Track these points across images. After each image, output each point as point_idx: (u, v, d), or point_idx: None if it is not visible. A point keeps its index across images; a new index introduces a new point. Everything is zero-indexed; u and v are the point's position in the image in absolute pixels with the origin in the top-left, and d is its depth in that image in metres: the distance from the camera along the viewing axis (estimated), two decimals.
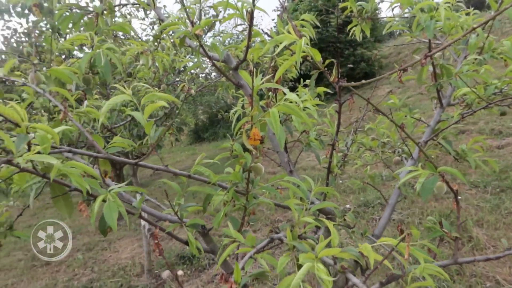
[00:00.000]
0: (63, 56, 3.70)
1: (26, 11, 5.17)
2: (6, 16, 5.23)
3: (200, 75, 3.11)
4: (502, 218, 3.20)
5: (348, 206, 4.28)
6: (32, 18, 5.24)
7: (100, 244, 5.19)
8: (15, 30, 5.32)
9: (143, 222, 4.04)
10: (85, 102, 1.04)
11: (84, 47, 1.30)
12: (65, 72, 0.99)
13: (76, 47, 1.32)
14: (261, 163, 0.92)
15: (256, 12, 1.07)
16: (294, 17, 12.78)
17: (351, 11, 1.82)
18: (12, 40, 5.16)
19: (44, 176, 0.80)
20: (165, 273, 3.82)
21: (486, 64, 1.52)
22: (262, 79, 0.83)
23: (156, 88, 2.67)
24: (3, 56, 4.88)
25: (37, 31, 4.69)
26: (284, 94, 0.96)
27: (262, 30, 1.26)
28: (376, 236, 1.36)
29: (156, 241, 0.82)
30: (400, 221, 3.59)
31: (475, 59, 1.47)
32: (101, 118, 0.87)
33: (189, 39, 1.22)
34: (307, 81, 1.49)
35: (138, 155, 4.71)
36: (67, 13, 1.35)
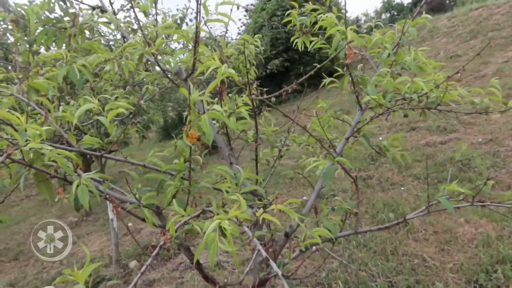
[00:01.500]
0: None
1: None
2: None
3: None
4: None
5: (305, 198, 4.63)
6: None
7: (72, 239, 5.32)
8: None
9: (110, 216, 4.24)
10: (61, 108, 1.29)
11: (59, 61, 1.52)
12: (44, 84, 1.24)
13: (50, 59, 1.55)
14: (199, 156, 1.20)
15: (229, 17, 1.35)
16: (260, 16, 13.08)
17: (294, 25, 2.13)
18: None
19: (31, 166, 1.05)
20: (132, 263, 4.05)
21: (399, 74, 1.86)
22: (200, 91, 1.11)
23: (122, 90, 2.91)
24: None
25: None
26: (221, 101, 1.25)
27: (231, 37, 1.55)
28: (303, 215, 1.68)
29: (114, 205, 1.09)
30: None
31: (387, 71, 1.81)
32: (75, 121, 1.13)
33: (147, 55, 1.49)
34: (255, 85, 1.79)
35: (105, 151, 4.88)
36: (41, 28, 1.58)
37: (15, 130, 0.93)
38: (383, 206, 3.80)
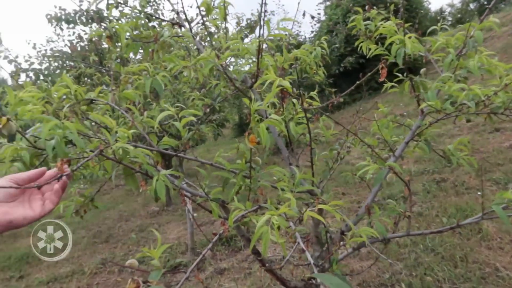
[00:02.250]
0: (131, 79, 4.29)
1: (90, 20, 5.91)
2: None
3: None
4: None
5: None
6: (95, 25, 5.96)
7: (151, 226, 5.85)
8: (80, 37, 6.08)
9: (188, 207, 4.60)
10: (145, 113, 1.52)
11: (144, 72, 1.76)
12: (132, 93, 1.48)
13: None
14: (258, 157, 1.35)
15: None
16: (337, 12, 12.90)
17: (359, 29, 2.19)
18: (78, 46, 5.91)
19: (120, 162, 1.28)
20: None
21: (465, 78, 1.85)
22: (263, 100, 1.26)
23: (198, 92, 3.18)
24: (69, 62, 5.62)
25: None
26: (282, 108, 1.40)
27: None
28: (358, 215, 1.75)
29: (183, 198, 1.28)
30: (419, 213, 3.87)
31: (450, 76, 1.80)
32: (156, 124, 1.35)
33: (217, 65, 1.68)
34: (312, 93, 1.90)
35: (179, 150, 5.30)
36: (130, 43, 1.85)
37: (108, 131, 1.15)
38: (456, 211, 3.65)
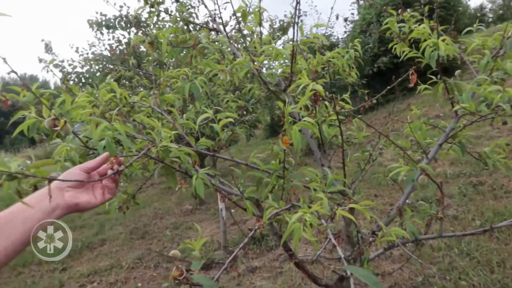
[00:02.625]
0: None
1: (128, 25, 6.15)
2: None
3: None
4: None
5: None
6: (133, 30, 6.20)
7: (185, 224, 6.01)
8: (119, 41, 6.34)
9: (220, 206, 4.71)
10: (184, 115, 1.61)
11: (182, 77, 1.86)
12: (172, 97, 1.57)
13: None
14: (291, 158, 1.41)
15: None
16: (370, 11, 12.70)
17: (392, 32, 2.20)
18: (117, 49, 6.17)
19: (162, 161, 1.37)
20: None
21: (502, 80, 1.82)
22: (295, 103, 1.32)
23: (232, 94, 3.27)
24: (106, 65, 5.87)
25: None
26: (315, 110, 1.45)
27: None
28: (390, 217, 1.77)
29: (221, 195, 1.35)
30: (454, 217, 3.80)
31: (485, 78, 1.79)
32: (196, 127, 1.43)
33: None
34: (345, 96, 1.93)
35: (216, 150, 5.44)
36: (170, 49, 1.95)
37: (152, 132, 1.24)
38: (493, 215, 3.56)
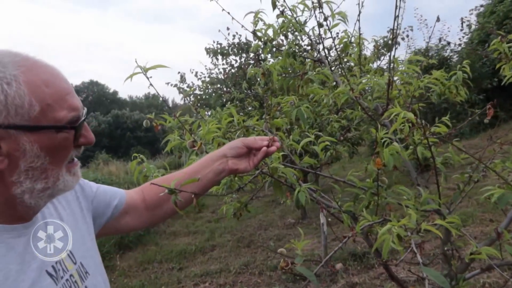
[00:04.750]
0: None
1: (240, 51, 6.76)
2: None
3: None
4: None
5: None
6: (243, 55, 6.79)
7: (287, 237, 6.28)
8: (231, 65, 6.99)
9: (322, 221, 4.88)
10: (291, 137, 1.88)
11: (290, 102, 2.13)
12: (280, 121, 1.86)
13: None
14: (385, 177, 1.57)
15: None
16: (488, 21, 11.69)
17: (500, 52, 2.21)
18: (230, 73, 6.81)
19: (272, 176, 1.65)
20: (338, 265, 4.54)
21: None
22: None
23: (335, 115, 3.47)
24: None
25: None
26: (412, 134, 1.60)
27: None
28: (489, 239, 1.78)
29: (321, 207, 1.57)
30: None
31: None
32: (299, 148, 1.69)
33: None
34: (444, 118, 2.01)
35: (318, 168, 5.63)
36: (279, 78, 2.25)
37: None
38: None
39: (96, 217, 1.00)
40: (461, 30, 12.81)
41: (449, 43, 11.27)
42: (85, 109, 0.79)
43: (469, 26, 12.71)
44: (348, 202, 1.78)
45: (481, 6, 13.74)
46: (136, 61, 1.35)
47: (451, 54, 12.07)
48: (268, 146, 1.12)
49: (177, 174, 1.15)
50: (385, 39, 7.00)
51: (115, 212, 1.03)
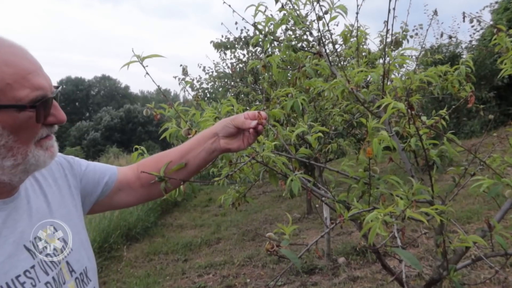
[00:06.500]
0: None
1: (246, 45, 6.78)
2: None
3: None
4: None
5: None
6: (250, 48, 6.82)
7: (292, 231, 6.31)
8: (239, 59, 7.02)
9: (325, 215, 4.90)
10: (287, 128, 1.91)
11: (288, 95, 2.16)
12: (278, 112, 1.89)
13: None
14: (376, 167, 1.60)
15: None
16: (503, 17, 11.51)
17: (501, 47, 2.21)
18: (237, 67, 6.84)
19: (266, 165, 1.69)
20: (341, 259, 4.58)
21: None
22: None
23: (338, 109, 3.49)
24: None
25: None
26: (408, 126, 1.62)
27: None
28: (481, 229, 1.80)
29: (309, 194, 1.61)
30: None
31: None
32: (293, 138, 1.72)
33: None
34: (441, 112, 2.02)
35: (327, 160, 5.64)
36: (279, 71, 2.28)
37: (258, 142, 1.56)
38: None
39: (85, 195, 1.02)
40: (464, 22, 12.61)
41: (452, 38, 11.13)
42: (58, 88, 0.79)
43: (479, 22, 12.50)
44: (343, 193, 1.82)
45: (496, 2, 13.53)
46: (132, 50, 1.40)
47: (461, 50, 11.93)
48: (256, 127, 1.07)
49: (171, 152, 1.16)
50: (396, 36, 6.98)
51: (106, 190, 1.06)
